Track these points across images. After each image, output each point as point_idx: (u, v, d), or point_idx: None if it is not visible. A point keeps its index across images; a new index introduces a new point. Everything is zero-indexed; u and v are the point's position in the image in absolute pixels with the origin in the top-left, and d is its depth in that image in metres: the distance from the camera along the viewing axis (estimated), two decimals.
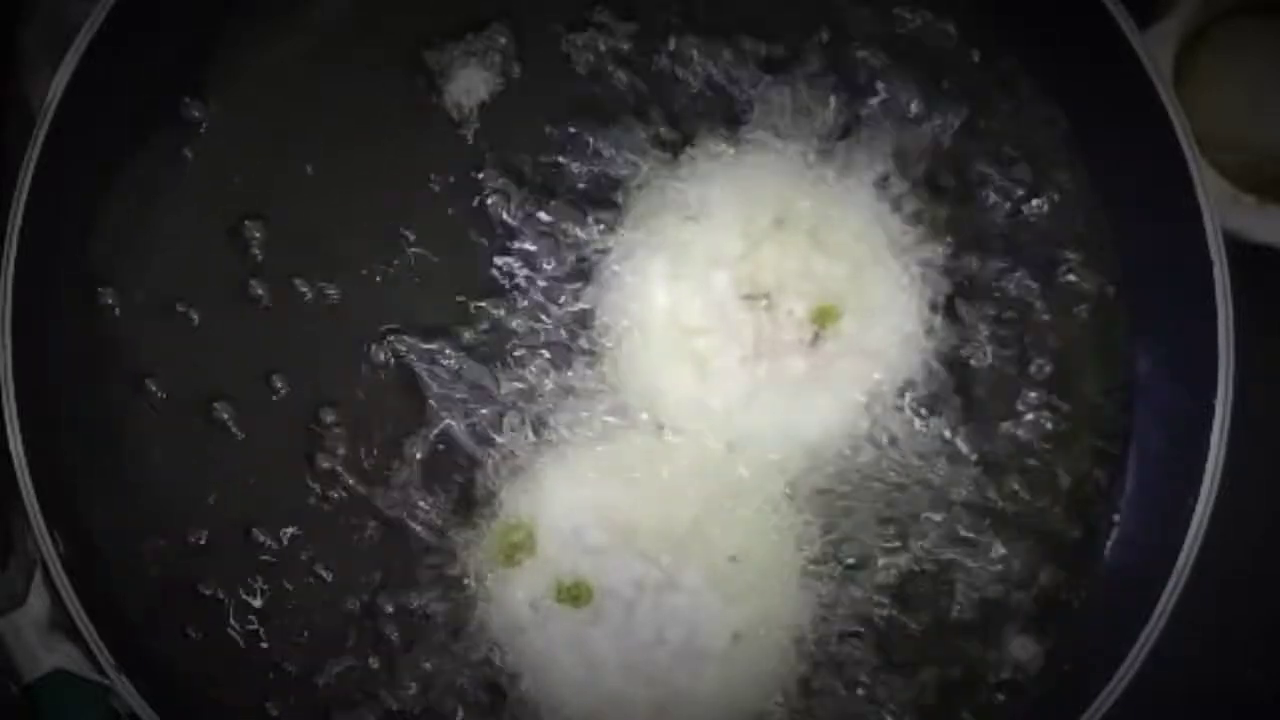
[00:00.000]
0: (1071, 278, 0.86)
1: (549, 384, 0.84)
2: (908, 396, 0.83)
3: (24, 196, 0.79)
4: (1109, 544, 0.85)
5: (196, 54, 0.86)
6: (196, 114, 0.86)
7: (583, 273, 0.84)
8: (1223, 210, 0.80)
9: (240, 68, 0.87)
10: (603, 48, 0.86)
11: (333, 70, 0.87)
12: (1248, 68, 0.91)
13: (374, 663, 0.83)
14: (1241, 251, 0.82)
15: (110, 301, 0.85)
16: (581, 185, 0.85)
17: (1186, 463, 0.79)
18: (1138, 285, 0.85)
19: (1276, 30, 0.91)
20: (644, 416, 0.83)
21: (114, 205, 0.86)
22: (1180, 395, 0.82)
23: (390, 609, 0.83)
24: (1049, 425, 0.85)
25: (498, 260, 0.85)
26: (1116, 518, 0.85)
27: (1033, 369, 0.85)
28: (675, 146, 0.85)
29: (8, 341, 0.79)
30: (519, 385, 0.84)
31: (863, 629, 0.83)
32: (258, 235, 0.86)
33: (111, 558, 0.83)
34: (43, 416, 0.80)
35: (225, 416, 0.84)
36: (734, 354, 0.81)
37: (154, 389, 0.85)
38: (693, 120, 0.85)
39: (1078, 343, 0.86)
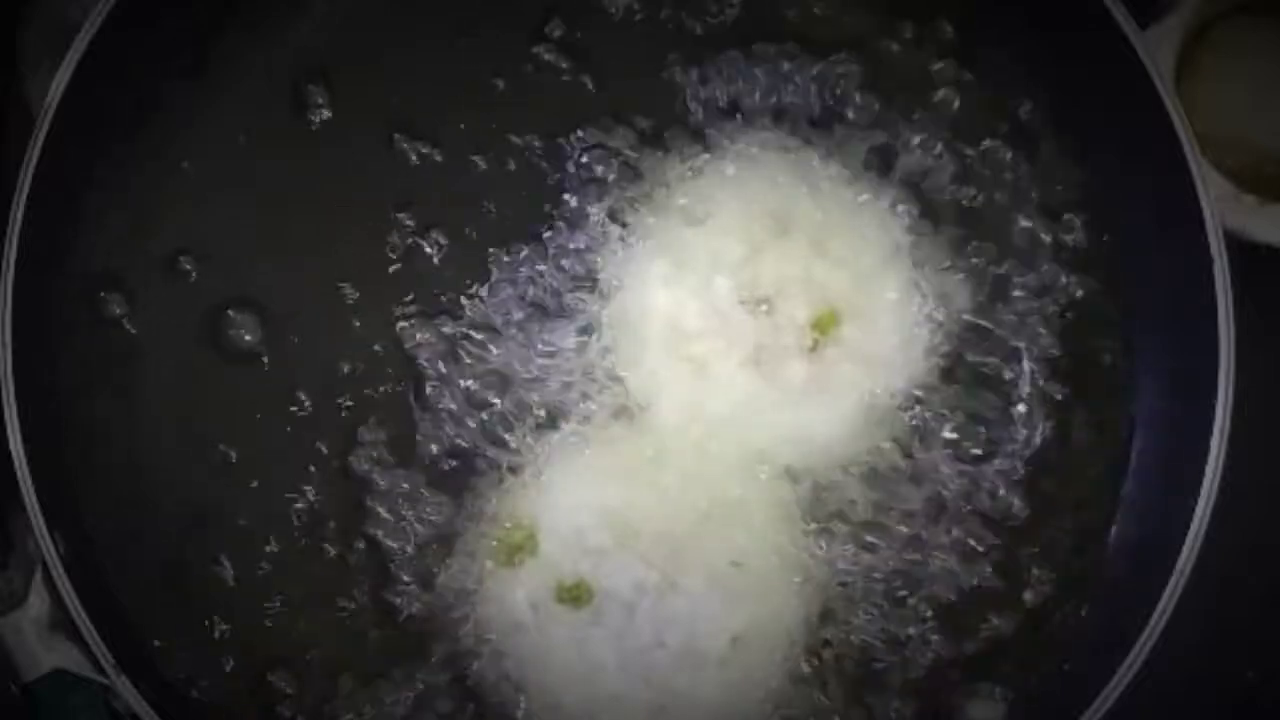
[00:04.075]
0: (1072, 278, 0.86)
1: (551, 385, 0.84)
2: (907, 402, 0.83)
3: (24, 197, 0.79)
4: (1109, 545, 0.85)
5: (198, 52, 0.86)
6: (195, 114, 0.87)
7: (585, 276, 0.84)
8: (1223, 210, 0.80)
9: (242, 64, 0.87)
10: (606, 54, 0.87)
11: (331, 69, 0.88)
12: (1248, 67, 0.91)
13: (375, 662, 0.83)
14: (1242, 251, 0.82)
15: (111, 301, 0.85)
16: (583, 189, 0.85)
17: (1187, 462, 0.79)
18: (1138, 285, 0.85)
19: (1277, 30, 0.91)
20: (645, 419, 0.83)
21: (114, 204, 0.86)
22: (1181, 395, 0.82)
23: (391, 609, 0.83)
24: (1049, 427, 0.85)
25: (499, 262, 0.85)
26: (1117, 518, 0.85)
27: (1033, 371, 0.85)
28: (679, 151, 0.85)
29: (8, 341, 0.78)
30: (521, 386, 0.84)
31: (861, 633, 0.83)
32: (258, 234, 0.86)
33: (111, 558, 0.83)
34: (43, 416, 0.80)
35: (228, 417, 0.85)
36: (734, 359, 0.81)
37: (155, 389, 0.85)
38: (697, 125, 0.85)
39: (1078, 344, 0.85)
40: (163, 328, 0.85)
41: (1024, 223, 0.86)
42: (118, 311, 0.85)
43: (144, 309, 0.85)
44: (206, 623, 0.83)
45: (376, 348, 0.85)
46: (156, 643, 0.82)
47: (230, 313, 0.85)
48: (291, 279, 0.86)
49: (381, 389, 0.85)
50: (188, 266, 0.86)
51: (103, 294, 0.85)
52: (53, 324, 0.83)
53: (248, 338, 0.85)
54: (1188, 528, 0.78)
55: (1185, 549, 0.78)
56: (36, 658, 0.80)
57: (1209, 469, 0.78)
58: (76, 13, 0.80)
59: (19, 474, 0.77)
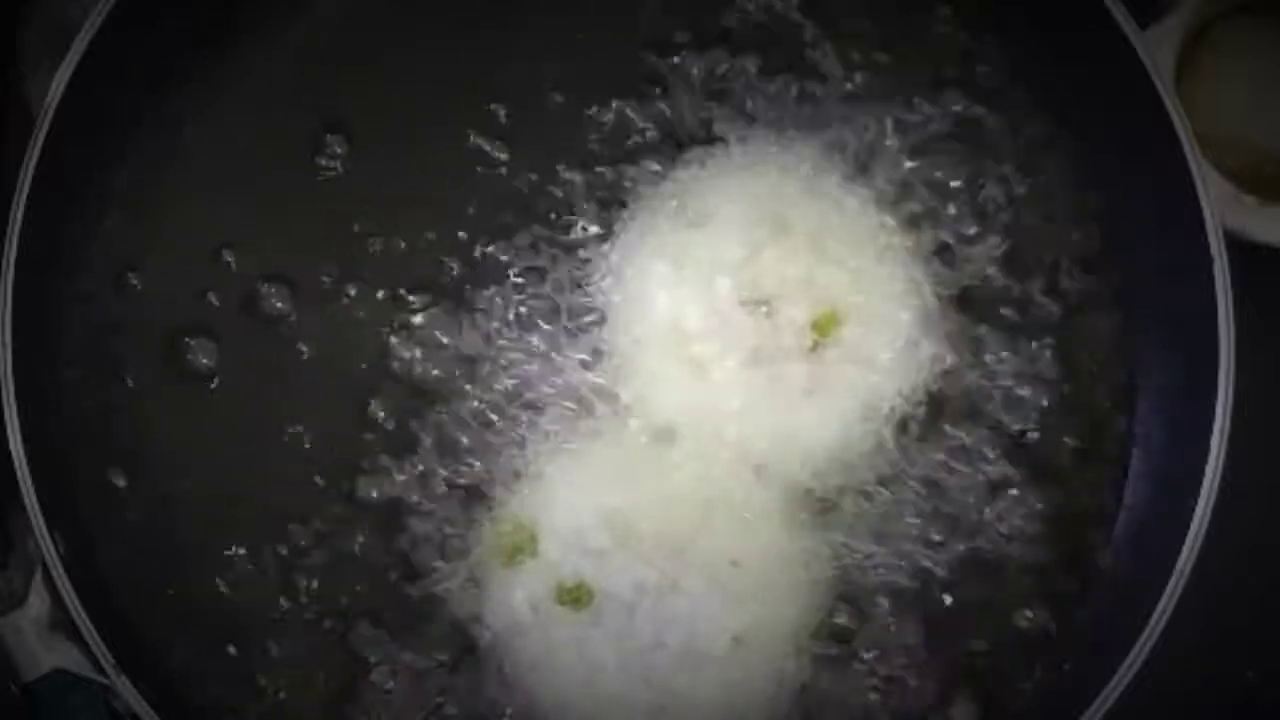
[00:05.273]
0: (1072, 280, 0.85)
1: (551, 387, 0.84)
2: (908, 404, 0.83)
3: (24, 197, 0.79)
4: (1109, 545, 0.84)
5: (197, 52, 0.86)
6: (195, 114, 0.87)
7: (585, 277, 0.84)
8: (1224, 210, 0.80)
9: (242, 64, 0.87)
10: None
11: (329, 70, 0.88)
12: (1248, 67, 0.91)
13: (374, 663, 0.83)
14: (1242, 251, 0.81)
15: (111, 300, 0.85)
16: (582, 190, 0.85)
17: (1187, 464, 0.79)
18: (1138, 286, 0.85)
19: (1277, 30, 0.91)
20: (645, 420, 0.83)
21: (114, 205, 0.86)
22: (1181, 396, 0.82)
23: (390, 611, 0.83)
24: (1048, 428, 0.84)
25: (498, 263, 0.85)
26: (1117, 519, 0.85)
27: (1034, 373, 0.85)
28: (677, 152, 0.85)
29: (8, 340, 0.78)
30: (520, 388, 0.84)
31: (863, 634, 0.82)
32: (257, 234, 0.86)
33: (112, 557, 0.83)
34: (43, 417, 0.80)
35: (228, 418, 0.85)
36: (734, 360, 0.81)
37: (157, 387, 0.85)
38: (696, 125, 0.85)
39: (1079, 345, 0.85)
40: (164, 326, 0.85)
41: (1023, 224, 0.86)
42: (118, 310, 0.85)
43: (145, 307, 0.85)
44: (206, 623, 0.83)
45: (376, 349, 0.85)
46: (156, 643, 0.82)
47: (228, 316, 0.85)
48: (291, 279, 0.86)
49: (381, 389, 0.85)
50: (186, 266, 0.86)
51: (104, 293, 0.85)
52: (52, 324, 0.83)
53: (243, 345, 0.85)
54: (1188, 528, 0.77)
55: (1185, 549, 0.77)
56: (36, 658, 0.80)
57: (1209, 470, 0.77)
58: (76, 12, 0.80)
59: (19, 474, 0.77)
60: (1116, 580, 0.84)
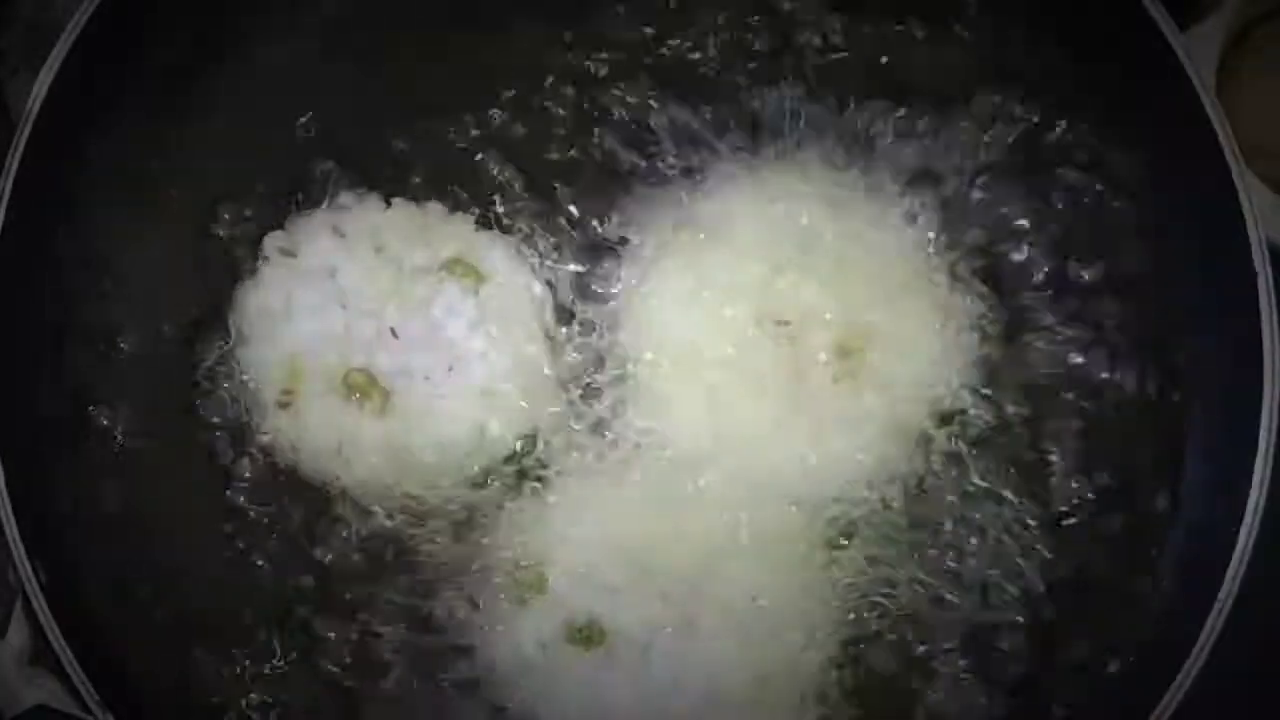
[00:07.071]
0: (1109, 296, 0.83)
1: (563, 414, 0.81)
2: (938, 428, 0.81)
3: (3, 204, 0.77)
4: (1155, 575, 0.82)
5: (185, 52, 0.84)
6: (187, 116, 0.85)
7: (598, 301, 0.82)
8: (1267, 221, 0.78)
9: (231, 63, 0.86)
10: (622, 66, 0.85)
11: (325, 69, 0.86)
12: None
13: (378, 709, 0.80)
14: None
15: (94, 322, 0.83)
16: (598, 210, 0.83)
17: (1231, 484, 0.77)
18: (1179, 301, 0.83)
19: None
20: (661, 449, 0.80)
21: (98, 214, 0.83)
22: (1225, 413, 0.80)
23: (393, 646, 0.80)
24: (1087, 452, 0.82)
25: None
26: (1161, 546, 0.82)
27: (1069, 396, 0.82)
28: (696, 168, 0.83)
29: None
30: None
31: (894, 671, 0.80)
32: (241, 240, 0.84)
33: (95, 590, 0.80)
34: (24, 445, 0.78)
35: (214, 445, 0.82)
36: (755, 385, 0.79)
37: (138, 414, 0.82)
38: (715, 141, 0.83)
39: (1117, 364, 0.83)
40: (148, 349, 0.83)
41: (1057, 240, 0.83)
42: (102, 328, 0.83)
43: (129, 332, 0.83)
44: (194, 659, 0.80)
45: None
46: (141, 678, 0.79)
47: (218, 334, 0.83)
48: None
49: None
50: (177, 273, 0.84)
51: (87, 312, 0.83)
52: (35, 343, 0.81)
53: (239, 369, 0.83)
54: (1233, 549, 0.76)
55: (1230, 571, 0.75)
56: (17, 694, 0.77)
57: (1255, 489, 0.76)
58: (57, 14, 0.79)
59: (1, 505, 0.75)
60: (1160, 610, 0.81)
